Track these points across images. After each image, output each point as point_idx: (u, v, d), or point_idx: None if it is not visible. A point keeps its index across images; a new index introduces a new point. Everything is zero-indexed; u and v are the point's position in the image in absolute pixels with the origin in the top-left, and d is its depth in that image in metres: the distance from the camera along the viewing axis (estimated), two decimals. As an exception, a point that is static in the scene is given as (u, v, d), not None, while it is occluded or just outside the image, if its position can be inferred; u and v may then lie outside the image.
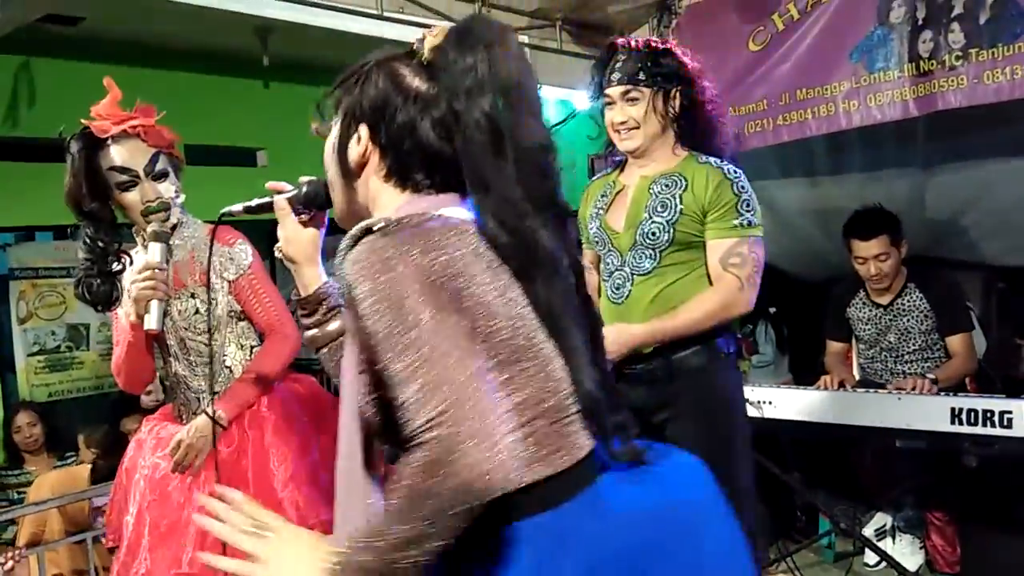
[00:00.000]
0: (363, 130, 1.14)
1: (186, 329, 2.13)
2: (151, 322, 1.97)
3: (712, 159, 2.22)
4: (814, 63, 3.86)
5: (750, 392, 3.25)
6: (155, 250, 1.99)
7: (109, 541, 2.26)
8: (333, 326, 1.33)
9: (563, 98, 6.18)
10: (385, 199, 1.15)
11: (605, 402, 1.08)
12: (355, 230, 1.04)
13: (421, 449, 0.88)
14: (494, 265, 1.03)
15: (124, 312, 2.09)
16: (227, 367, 2.16)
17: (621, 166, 2.40)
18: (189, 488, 2.06)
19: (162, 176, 2.08)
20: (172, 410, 2.25)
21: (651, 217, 2.20)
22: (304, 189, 1.33)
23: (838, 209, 3.94)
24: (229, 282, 2.13)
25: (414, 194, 1.13)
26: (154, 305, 1.97)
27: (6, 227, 4.64)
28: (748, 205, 2.17)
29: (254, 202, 1.40)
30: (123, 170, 2.02)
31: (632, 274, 2.24)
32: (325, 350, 1.34)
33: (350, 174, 1.17)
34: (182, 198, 2.13)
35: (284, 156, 5.45)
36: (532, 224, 1.04)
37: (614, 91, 2.24)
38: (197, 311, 2.12)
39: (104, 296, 2.07)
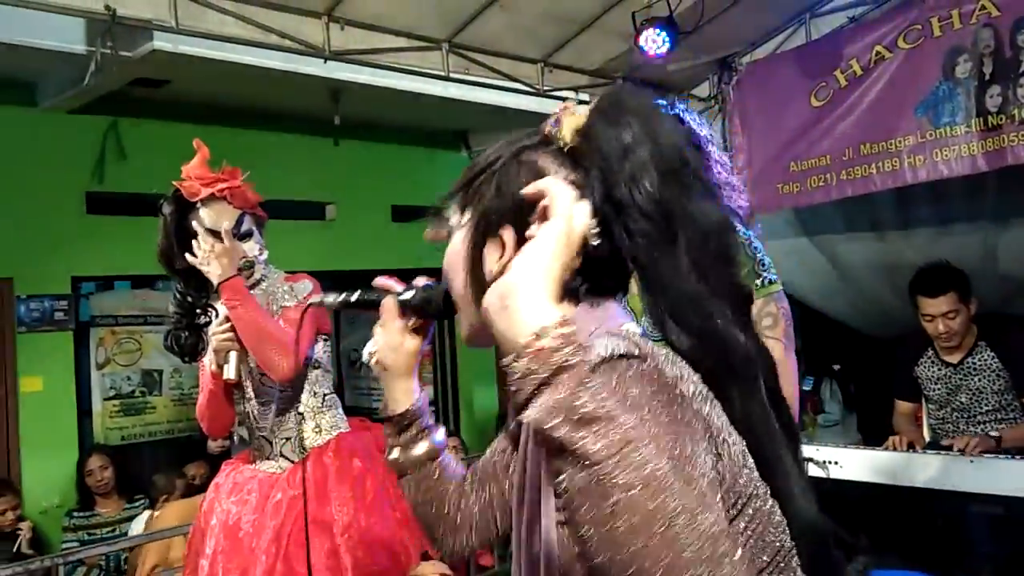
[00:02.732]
0: (506, 234, 0.93)
1: (263, 375, 2.20)
2: (230, 372, 2.09)
3: (741, 230, 2.22)
4: (878, 118, 3.84)
5: (815, 452, 3.18)
6: None
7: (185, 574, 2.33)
8: (420, 450, 1.17)
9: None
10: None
11: (831, 531, 0.90)
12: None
13: None
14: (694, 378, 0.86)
15: (209, 360, 2.19)
16: (299, 413, 2.23)
17: None
18: (258, 534, 2.12)
19: (247, 236, 2.19)
20: (249, 455, 2.33)
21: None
22: (419, 294, 1.15)
23: (906, 264, 3.87)
24: (283, 308, 2.20)
25: (572, 304, 0.93)
26: (232, 356, 2.08)
27: (89, 276, 4.87)
28: (764, 264, 2.17)
29: (355, 296, 1.21)
30: (211, 232, 2.13)
31: (649, 340, 2.25)
32: (408, 477, 1.18)
33: (487, 286, 0.94)
34: (265, 255, 2.24)
35: (351, 210, 5.64)
36: (722, 322, 0.88)
37: None
38: None
39: (191, 347, 2.20)
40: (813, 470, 3.17)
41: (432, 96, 4.72)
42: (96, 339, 5.00)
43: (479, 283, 0.95)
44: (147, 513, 4.09)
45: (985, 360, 3.29)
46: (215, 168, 2.22)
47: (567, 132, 0.94)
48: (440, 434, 1.20)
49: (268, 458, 2.23)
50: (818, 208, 4.20)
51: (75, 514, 4.21)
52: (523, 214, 0.91)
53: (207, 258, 2.06)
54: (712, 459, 0.79)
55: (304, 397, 2.23)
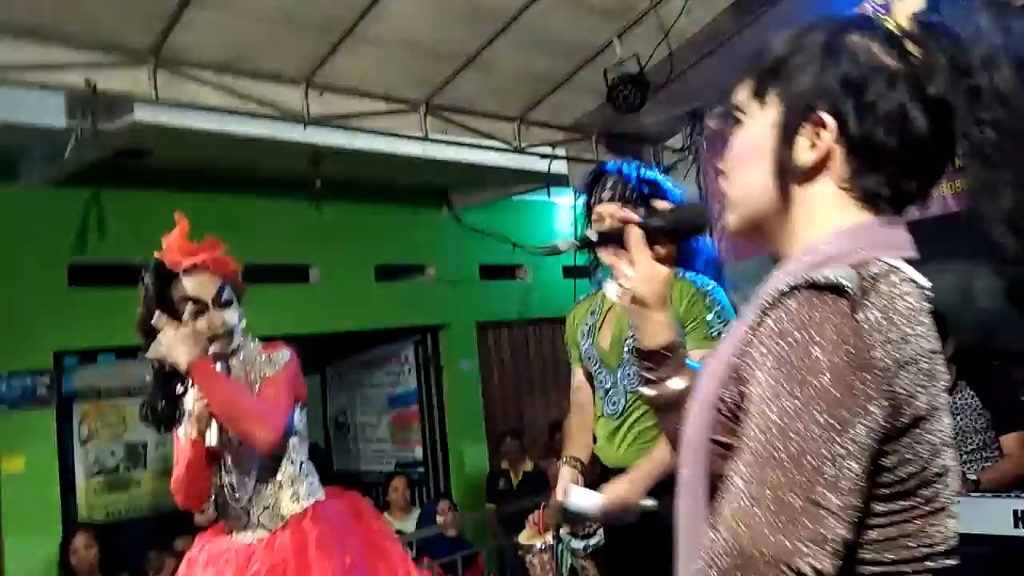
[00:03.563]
0: (827, 119, 0.87)
1: (240, 445, 2.20)
2: (211, 438, 2.10)
3: (689, 274, 2.29)
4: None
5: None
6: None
7: None
8: (677, 385, 1.13)
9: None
10: (828, 215, 0.89)
11: None
12: (795, 278, 0.79)
13: (722, 544, 0.77)
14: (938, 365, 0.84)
15: (184, 432, 2.19)
16: (277, 481, 2.24)
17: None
18: None
19: (228, 304, 2.23)
20: (223, 527, 2.31)
21: (633, 334, 2.23)
22: (671, 217, 1.13)
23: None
24: (264, 378, 2.22)
25: (871, 214, 0.89)
26: (214, 424, 2.10)
27: (73, 350, 4.83)
28: (720, 316, 2.23)
29: (593, 235, 1.18)
30: (194, 300, 2.16)
31: (626, 390, 2.31)
32: (668, 412, 1.13)
33: (794, 177, 0.90)
34: (243, 323, 2.27)
35: (334, 272, 5.65)
36: None
37: (604, 208, 2.30)
38: None
39: (167, 417, 2.20)
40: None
41: (411, 157, 4.79)
42: (79, 414, 4.94)
43: (785, 170, 0.90)
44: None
45: (966, 400, 3.31)
46: (197, 238, 2.25)
47: (901, 15, 0.89)
48: (695, 361, 1.15)
49: (245, 528, 2.23)
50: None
51: None
52: (847, 101, 0.87)
53: (169, 347, 2.07)
54: (867, 429, 0.76)
55: (282, 466, 2.24)
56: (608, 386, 2.36)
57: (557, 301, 6.65)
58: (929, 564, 0.82)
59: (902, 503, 0.81)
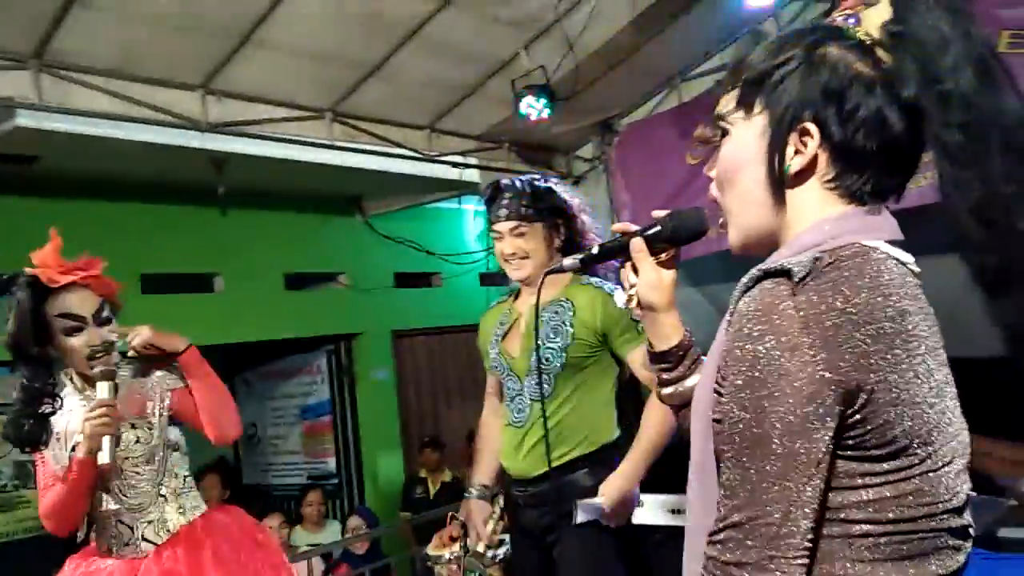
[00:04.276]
0: (812, 127, 0.94)
1: (125, 460, 2.15)
2: (104, 457, 2.01)
3: (594, 279, 2.34)
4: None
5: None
6: (104, 388, 2.04)
7: None
8: (693, 381, 1.17)
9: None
10: (813, 210, 0.96)
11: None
12: (766, 267, 0.88)
13: (720, 545, 0.84)
14: (929, 328, 0.89)
15: (52, 455, 2.12)
16: (161, 495, 2.20)
17: (516, 294, 2.51)
18: None
19: (107, 322, 2.16)
20: (99, 546, 2.23)
21: (544, 343, 2.31)
22: (669, 224, 1.17)
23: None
24: (171, 391, 2.21)
25: (851, 205, 0.95)
26: (106, 441, 2.02)
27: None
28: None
29: (594, 248, 1.24)
30: (73, 317, 2.09)
31: (531, 399, 2.34)
32: (684, 410, 1.18)
33: (783, 183, 0.96)
34: (120, 342, 2.20)
35: (241, 281, 5.50)
36: (1019, 219, 0.87)
37: (503, 226, 2.34)
38: (137, 440, 2.17)
39: (34, 437, 2.11)
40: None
41: (319, 164, 4.70)
42: (-41, 432, 4.66)
43: (777, 178, 0.95)
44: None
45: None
46: (92, 247, 2.19)
47: (871, 26, 0.94)
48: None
49: (127, 544, 2.17)
50: (700, 258, 4.34)
51: None
52: (828, 109, 0.92)
53: (156, 336, 2.12)
54: (823, 408, 0.81)
55: (167, 479, 2.21)
56: (514, 394, 2.38)
57: (473, 308, 6.63)
58: (936, 522, 0.86)
59: (895, 463, 0.84)
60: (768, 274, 0.86)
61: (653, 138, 4.44)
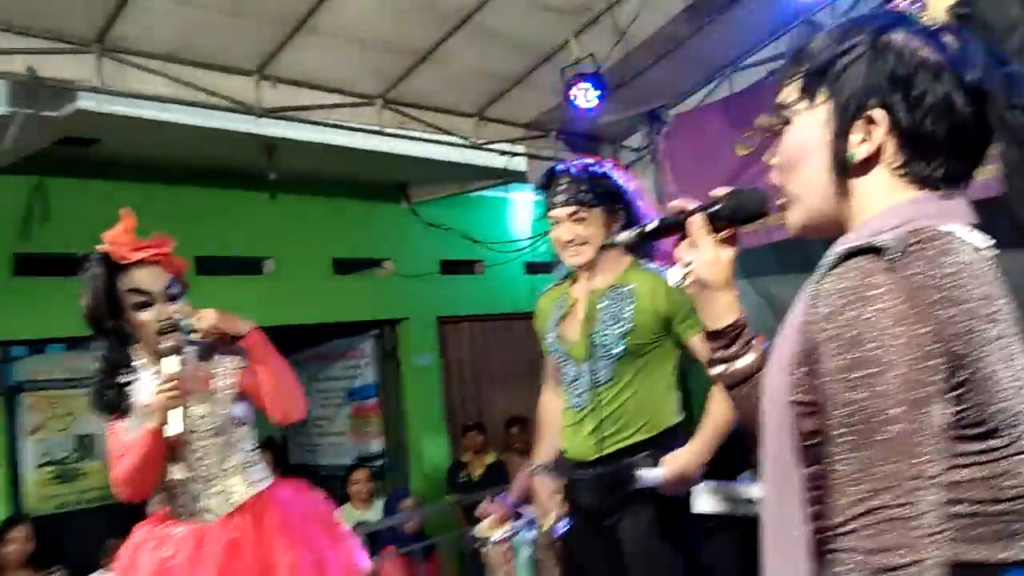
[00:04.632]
0: (878, 115, 0.93)
1: (193, 434, 2.23)
2: (173, 428, 2.09)
3: (651, 266, 2.33)
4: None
5: (745, 490, 3.23)
6: (172, 363, 2.12)
7: None
8: (746, 362, 1.17)
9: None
10: (882, 197, 0.95)
11: None
12: (852, 245, 0.86)
13: (855, 535, 0.82)
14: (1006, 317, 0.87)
15: (124, 426, 2.20)
16: (228, 468, 2.27)
17: (573, 278, 2.48)
18: None
19: (175, 298, 2.23)
20: (170, 513, 2.32)
21: (603, 330, 2.29)
22: (729, 202, 1.16)
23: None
24: (236, 371, 2.27)
25: (923, 191, 0.94)
26: (174, 413, 2.09)
27: (18, 340, 4.73)
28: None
29: (652, 224, 1.22)
30: (142, 292, 2.17)
31: (591, 384, 2.32)
32: (737, 389, 1.18)
33: (849, 170, 0.96)
34: (189, 321, 2.27)
35: (290, 264, 5.60)
36: None
37: (560, 212, 2.31)
38: (204, 416, 2.24)
39: (115, 405, 2.21)
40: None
41: (368, 150, 4.75)
42: (27, 404, 4.84)
43: (841, 166, 0.96)
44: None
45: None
46: (149, 229, 2.25)
47: (937, 9, 0.99)
48: (766, 343, 1.17)
49: (193, 513, 2.25)
50: (753, 249, 4.29)
51: None
52: (895, 96, 0.92)
53: (221, 317, 2.19)
54: (933, 384, 0.81)
55: (232, 453, 2.28)
56: (572, 379, 2.36)
57: (516, 297, 6.66)
58: (1021, 505, 0.86)
59: (987, 443, 0.84)
60: (855, 252, 0.85)
61: (702, 128, 4.39)
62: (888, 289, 0.81)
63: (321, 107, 3.96)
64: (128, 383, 2.21)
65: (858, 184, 0.96)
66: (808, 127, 0.98)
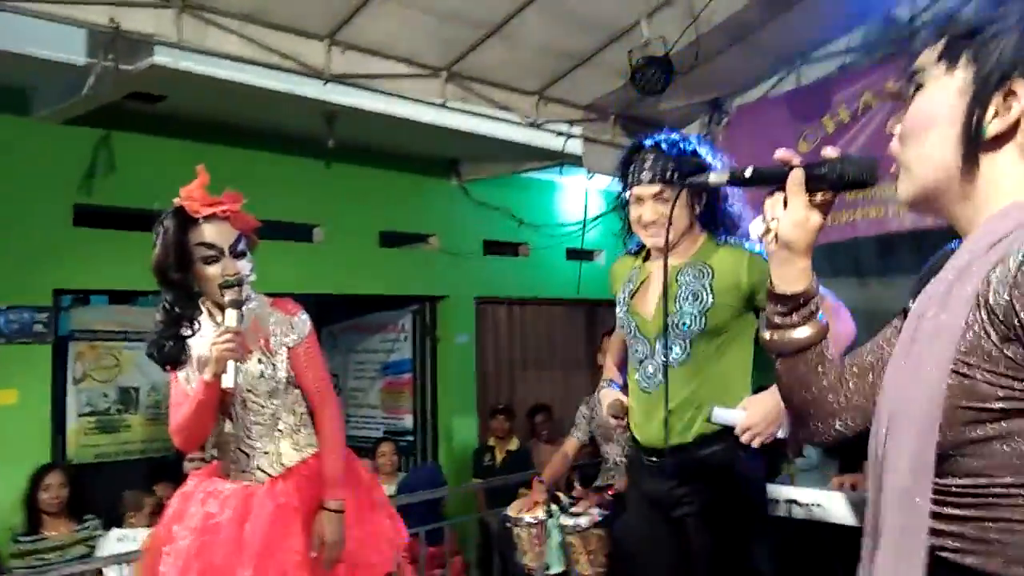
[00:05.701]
0: (1021, 89, 0.89)
1: (249, 391, 2.27)
2: (228, 380, 2.11)
3: (729, 239, 2.24)
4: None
5: (799, 493, 3.20)
6: (233, 316, 2.15)
7: None
8: (802, 333, 1.13)
9: (611, 188, 6.36)
10: (1011, 177, 0.91)
11: None
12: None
13: None
14: None
15: (184, 376, 2.26)
16: (279, 429, 2.31)
17: (646, 252, 2.39)
18: (238, 538, 2.16)
19: (241, 255, 2.26)
20: (221, 468, 2.37)
21: (681, 307, 2.21)
22: (837, 166, 1.09)
23: (885, 312, 3.92)
24: (288, 348, 2.30)
25: None
26: (231, 365, 2.12)
27: (72, 290, 4.80)
28: None
29: (748, 171, 1.15)
30: (211, 246, 2.20)
31: (663, 364, 2.24)
32: (787, 359, 1.15)
33: (980, 146, 0.92)
34: (253, 277, 2.30)
35: (339, 234, 5.64)
36: None
37: (644, 190, 2.20)
38: (262, 375, 2.27)
39: (173, 357, 2.25)
40: (798, 512, 3.18)
41: (426, 123, 4.76)
42: (74, 354, 4.92)
43: (971, 139, 0.91)
44: (116, 531, 3.95)
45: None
46: (214, 190, 2.27)
47: None
48: (824, 318, 1.15)
49: (244, 471, 2.29)
50: (833, 245, 4.22)
51: (21, 539, 3.95)
52: None
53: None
54: None
55: (284, 415, 2.31)
56: (643, 356, 2.27)
57: (557, 282, 6.66)
58: None
59: None
60: None
61: (766, 121, 4.35)
62: None
63: (386, 76, 3.97)
64: (188, 335, 2.25)
65: (984, 161, 0.91)
66: (941, 94, 0.94)
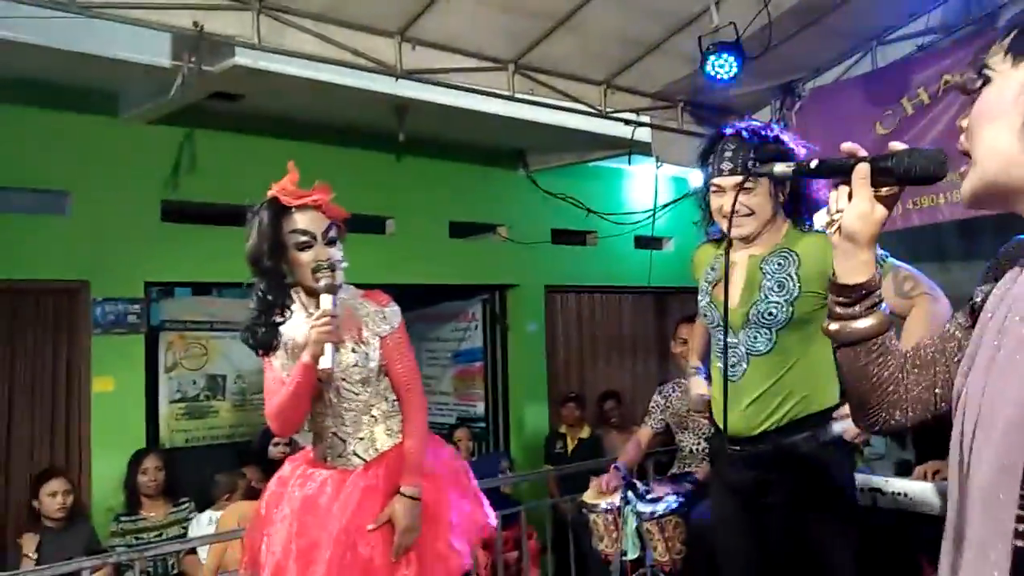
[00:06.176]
0: None
1: (343, 379, 2.31)
2: (326, 362, 2.18)
3: (814, 227, 2.20)
4: (946, 148, 3.81)
5: (884, 482, 3.14)
6: (328, 300, 2.19)
7: (243, 566, 2.43)
8: (864, 324, 1.14)
9: (679, 175, 6.30)
10: None
11: None
12: None
13: None
14: None
15: (279, 364, 2.32)
16: (372, 416, 2.35)
17: (728, 241, 2.34)
18: (330, 521, 2.22)
19: (333, 242, 2.32)
20: (317, 453, 2.43)
21: (767, 296, 2.18)
22: (906, 160, 1.08)
23: (967, 296, 3.81)
24: (380, 338, 2.34)
25: None
26: (328, 348, 2.18)
27: (162, 282, 5.03)
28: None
29: (814, 162, 1.16)
30: (304, 232, 2.25)
31: (748, 353, 2.22)
32: (847, 349, 1.17)
33: None
34: (345, 264, 2.35)
35: (410, 225, 5.75)
36: None
37: (726, 181, 2.18)
38: (355, 364, 2.32)
39: (266, 343, 2.31)
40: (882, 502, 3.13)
41: (493, 115, 4.81)
42: (165, 343, 5.16)
43: None
44: (209, 513, 4.14)
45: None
46: (262, 190, 2.35)
47: None
48: (887, 309, 1.17)
49: (340, 456, 2.35)
50: (883, 235, 4.16)
51: (122, 518, 4.20)
52: None
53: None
54: None
55: (377, 402, 2.36)
56: (724, 348, 2.26)
57: (625, 271, 6.65)
58: None
59: None
60: None
61: (840, 104, 4.25)
62: None
63: (455, 70, 4.03)
64: (281, 323, 2.30)
65: None
66: (1007, 87, 0.93)
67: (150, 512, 4.24)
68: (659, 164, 4.93)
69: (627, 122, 4.71)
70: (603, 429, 6.06)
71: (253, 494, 4.08)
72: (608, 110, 4.54)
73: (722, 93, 4.37)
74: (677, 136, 4.75)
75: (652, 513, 3.34)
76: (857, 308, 1.15)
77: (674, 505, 3.38)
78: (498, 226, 6.29)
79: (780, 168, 1.19)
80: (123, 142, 4.64)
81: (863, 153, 1.10)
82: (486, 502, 2.52)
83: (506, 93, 4.20)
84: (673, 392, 3.91)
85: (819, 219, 1.18)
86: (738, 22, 3.71)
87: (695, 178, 4.72)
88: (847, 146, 1.12)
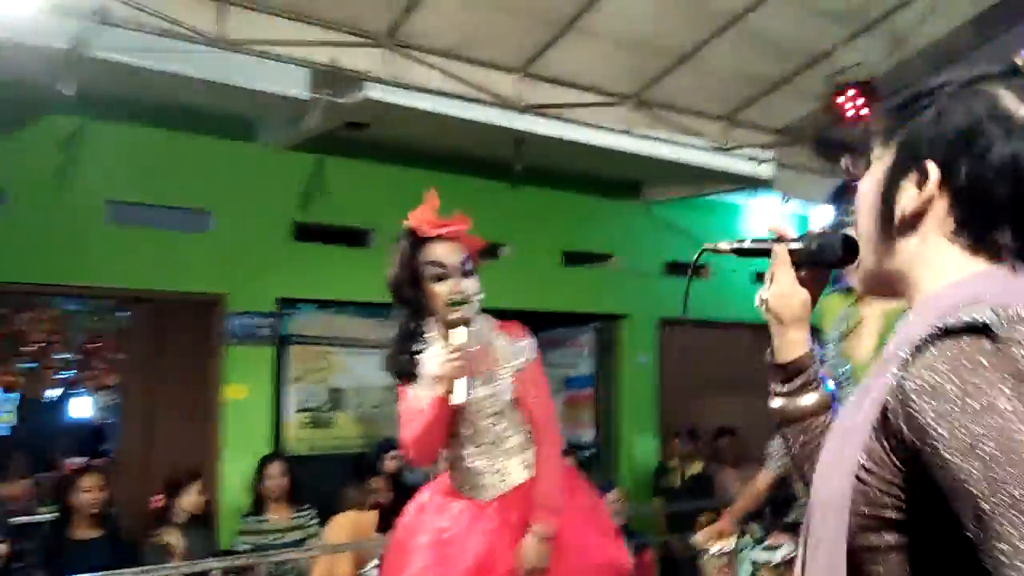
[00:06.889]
0: (931, 169, 0.84)
1: (477, 412, 2.29)
2: (459, 396, 2.16)
3: None
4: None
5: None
6: (461, 334, 2.19)
7: None
8: (807, 401, 1.14)
9: (800, 212, 6.13)
10: (942, 264, 0.85)
11: None
12: (948, 321, 0.73)
13: None
14: None
15: (419, 391, 2.29)
16: (507, 448, 2.34)
17: (855, 292, 2.31)
18: (465, 555, 2.23)
19: (469, 274, 2.31)
20: (452, 481, 2.41)
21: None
22: (813, 242, 1.11)
23: None
24: (515, 371, 2.34)
25: (990, 263, 0.83)
26: (462, 381, 2.17)
27: (292, 298, 5.31)
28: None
29: (746, 242, 1.19)
30: (439, 264, 2.26)
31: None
32: (791, 427, 1.15)
33: (894, 227, 0.88)
34: (482, 295, 2.36)
35: (524, 253, 5.85)
36: None
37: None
38: (490, 396, 2.30)
39: (406, 371, 2.31)
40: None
41: (613, 149, 4.85)
42: (292, 355, 5.44)
43: (888, 223, 0.88)
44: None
45: None
46: (401, 213, 2.38)
47: None
48: (830, 385, 1.17)
49: (475, 487, 2.33)
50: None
51: (248, 518, 4.41)
52: (956, 150, 0.83)
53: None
54: None
55: (511, 434, 2.34)
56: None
57: (741, 306, 6.47)
58: None
59: None
60: (950, 331, 0.71)
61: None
62: (1003, 376, 0.68)
63: (575, 105, 4.11)
64: (419, 351, 2.30)
65: (902, 244, 0.87)
66: (875, 175, 0.89)
67: (274, 515, 4.43)
68: (786, 199, 4.83)
69: (751, 158, 4.66)
70: (717, 466, 5.93)
71: (373, 506, 4.23)
72: (728, 145, 4.50)
73: (845, 131, 4.26)
74: (802, 172, 4.65)
75: (769, 561, 3.25)
76: (793, 386, 1.14)
77: (793, 554, 3.27)
78: (611, 256, 6.30)
79: (723, 245, 1.20)
80: (260, 166, 4.96)
81: (791, 234, 1.13)
82: (622, 540, 2.49)
83: (624, 128, 4.25)
84: None
85: (756, 297, 1.19)
86: (866, 60, 3.62)
87: (817, 215, 4.62)
88: (773, 226, 1.15)
